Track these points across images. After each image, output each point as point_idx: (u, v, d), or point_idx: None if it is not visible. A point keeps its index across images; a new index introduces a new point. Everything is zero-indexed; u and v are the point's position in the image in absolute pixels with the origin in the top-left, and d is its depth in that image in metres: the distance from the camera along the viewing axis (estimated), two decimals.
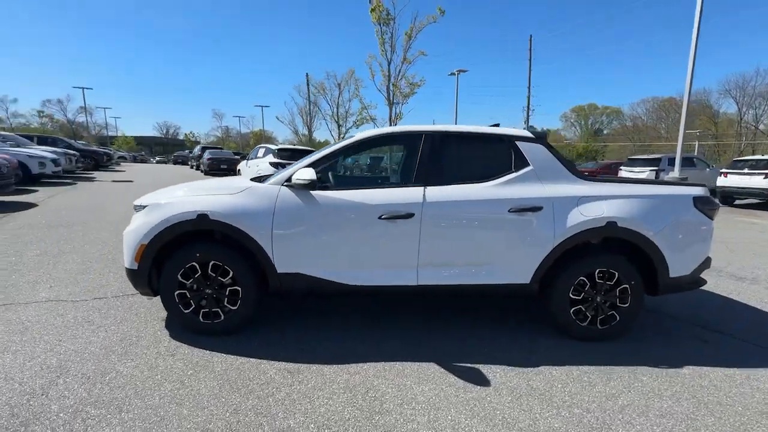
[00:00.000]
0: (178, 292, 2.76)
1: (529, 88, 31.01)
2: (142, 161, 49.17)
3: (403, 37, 10.87)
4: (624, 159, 18.83)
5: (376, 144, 3.17)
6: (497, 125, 3.58)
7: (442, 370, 2.51)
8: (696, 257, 3.01)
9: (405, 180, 3.08)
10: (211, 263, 2.74)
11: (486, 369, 2.54)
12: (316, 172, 2.83)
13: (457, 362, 2.60)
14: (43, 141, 16.93)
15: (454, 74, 23.80)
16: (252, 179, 3.08)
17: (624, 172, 14.99)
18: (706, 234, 3.03)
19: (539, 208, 2.81)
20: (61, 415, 1.94)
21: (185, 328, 2.84)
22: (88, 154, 18.38)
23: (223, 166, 18.88)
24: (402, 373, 2.45)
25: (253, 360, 2.54)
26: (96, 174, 17.61)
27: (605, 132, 72.83)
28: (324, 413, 2.04)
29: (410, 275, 2.84)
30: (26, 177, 11.26)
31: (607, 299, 2.91)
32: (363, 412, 2.07)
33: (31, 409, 1.97)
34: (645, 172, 14.17)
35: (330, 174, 3.03)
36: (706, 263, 3.09)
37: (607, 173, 16.32)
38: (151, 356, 2.52)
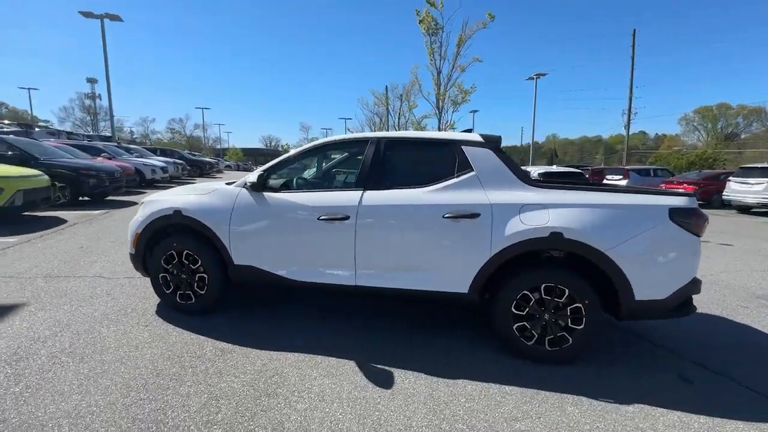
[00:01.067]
0: (161, 274, 3.31)
1: (630, 89, 27.68)
2: (245, 169, 56.14)
3: (454, 45, 10.78)
4: None
5: (327, 150, 3.36)
6: (470, 131, 3.51)
7: (356, 368, 2.58)
8: (674, 279, 2.55)
9: (349, 184, 3.20)
10: (184, 252, 3.23)
11: (400, 373, 2.53)
12: (274, 176, 3.15)
13: (378, 364, 2.64)
14: (163, 153, 20.65)
15: (532, 78, 22.53)
16: (227, 183, 3.53)
17: (734, 184, 12.44)
18: (688, 252, 2.56)
19: (476, 215, 2.69)
20: (43, 357, 2.55)
21: (166, 305, 3.39)
22: (195, 163, 21.87)
23: None
24: (315, 366, 2.59)
25: (202, 338, 2.93)
26: (198, 179, 20.85)
27: (742, 136, 60.98)
28: (222, 388, 2.31)
29: (348, 275, 2.95)
30: (142, 181, 13.90)
31: (557, 318, 2.64)
32: (255, 391, 2.28)
33: (28, 350, 2.62)
34: (763, 184, 11.60)
35: (285, 178, 3.31)
36: (692, 287, 2.59)
37: (711, 185, 13.67)
38: (129, 325, 3.08)
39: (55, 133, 18.16)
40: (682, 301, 2.60)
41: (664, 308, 2.57)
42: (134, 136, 67.49)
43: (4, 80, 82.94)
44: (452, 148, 2.93)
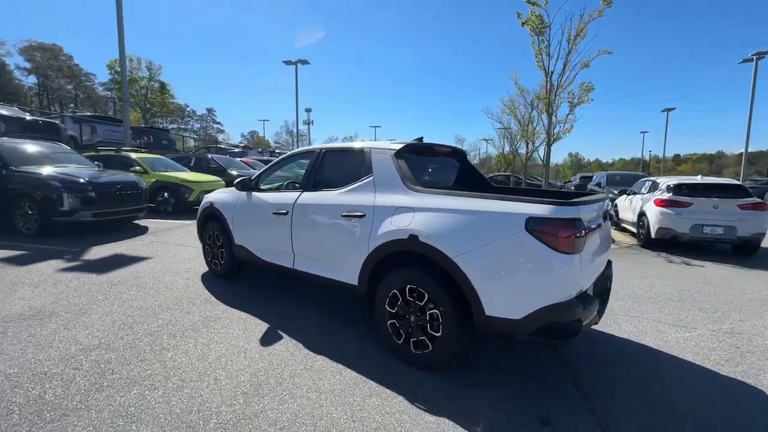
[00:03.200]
0: (205, 247, 4.78)
1: None
2: None
3: (566, 41, 9.52)
4: None
5: (294, 159, 4.06)
6: (420, 139, 3.70)
7: (260, 329, 3.27)
8: (531, 299, 2.21)
9: (299, 187, 3.84)
10: (214, 232, 4.59)
11: (286, 341, 3.09)
12: (261, 179, 4.16)
13: (285, 333, 3.25)
14: None
15: (750, 60, 17.33)
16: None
17: None
18: (548, 270, 2.17)
19: (362, 215, 2.98)
20: (149, 276, 4.25)
21: (208, 268, 4.82)
22: None
23: None
24: (264, 334, 3.25)
25: (205, 290, 4.16)
26: None
27: None
28: (189, 319, 3.41)
29: (290, 260, 3.66)
30: None
31: (420, 321, 2.66)
32: (198, 324, 3.28)
33: (102, 291, 4.39)
34: None
35: (266, 181, 4.21)
36: (561, 312, 2.17)
37: None
38: (180, 292, 4.61)
39: (261, 152, 24.71)
40: (545, 326, 2.21)
41: (521, 330, 2.26)
42: None
43: (252, 115, 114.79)
44: (364, 155, 3.26)
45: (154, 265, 5.09)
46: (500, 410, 2.26)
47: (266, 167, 4.26)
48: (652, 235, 7.36)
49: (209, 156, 13.01)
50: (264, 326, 3.34)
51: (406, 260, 2.77)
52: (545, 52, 9.39)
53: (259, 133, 76.71)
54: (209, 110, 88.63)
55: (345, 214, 3.10)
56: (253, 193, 4.11)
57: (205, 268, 4.92)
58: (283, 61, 24.73)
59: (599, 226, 2.51)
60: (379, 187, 3.02)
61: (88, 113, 16.74)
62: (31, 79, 57.38)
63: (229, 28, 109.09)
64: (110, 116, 16.93)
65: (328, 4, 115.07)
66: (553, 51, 9.38)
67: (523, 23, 9.16)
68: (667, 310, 4.08)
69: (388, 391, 2.43)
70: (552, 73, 9.67)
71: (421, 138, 3.63)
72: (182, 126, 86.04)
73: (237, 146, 25.50)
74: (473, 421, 2.15)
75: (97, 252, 5.69)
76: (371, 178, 3.11)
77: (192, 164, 12.46)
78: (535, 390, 2.49)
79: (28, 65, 55.82)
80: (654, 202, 7.47)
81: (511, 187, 4.26)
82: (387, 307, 2.82)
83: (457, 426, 2.11)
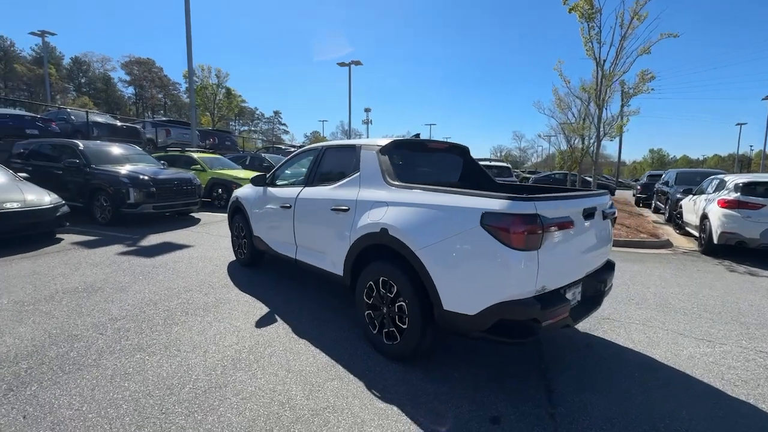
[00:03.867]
0: (233, 237, 5.26)
1: None
2: None
3: (618, 27, 8.62)
4: None
5: (303, 156, 4.27)
6: (418, 135, 3.75)
7: (257, 311, 3.56)
8: (484, 295, 2.17)
9: (303, 182, 4.05)
10: (240, 224, 5.03)
11: (279, 324, 3.34)
12: (275, 176, 4.48)
13: (279, 315, 3.52)
14: None
15: None
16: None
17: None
18: (501, 266, 2.12)
19: (347, 209, 3.12)
20: (189, 261, 4.86)
21: (235, 262, 5.29)
22: None
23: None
24: (261, 317, 3.61)
25: (225, 274, 4.60)
26: None
27: None
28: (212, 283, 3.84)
29: (292, 250, 3.92)
30: None
31: (390, 313, 2.73)
32: (215, 315, 3.68)
33: (144, 272, 5.01)
34: None
35: (281, 176, 4.49)
36: (515, 310, 2.12)
37: None
38: (205, 276, 5.13)
39: None
40: (499, 324, 2.16)
41: (475, 326, 2.23)
42: None
43: (315, 115, 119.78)
44: (355, 152, 3.38)
45: (193, 252, 5.71)
46: (453, 405, 2.26)
47: (280, 164, 4.58)
48: (714, 241, 6.50)
49: (263, 155, 14.00)
50: (265, 310, 3.63)
51: (380, 253, 2.85)
52: (596, 39, 8.69)
53: (320, 134, 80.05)
54: (276, 112, 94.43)
55: (333, 208, 3.26)
56: (267, 188, 4.44)
57: (233, 257, 5.41)
58: (338, 63, 25.67)
59: (571, 223, 2.36)
60: (363, 183, 3.13)
61: (164, 118, 19.05)
62: (130, 90, 65.74)
63: (293, 33, 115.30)
64: (182, 120, 18.94)
65: (387, 3, 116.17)
66: (604, 38, 8.66)
67: (570, 9, 8.58)
68: (698, 322, 3.65)
69: (351, 376, 2.55)
70: (604, 61, 8.93)
71: (419, 135, 3.67)
72: (252, 128, 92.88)
73: (294, 146, 26.99)
74: (422, 412, 2.19)
75: (151, 239, 6.51)
76: (358, 173, 3.23)
77: (247, 163, 13.52)
78: (500, 390, 2.43)
79: (128, 78, 64.10)
80: (718, 203, 6.59)
81: (520, 184, 4.06)
82: (365, 297, 2.93)
83: (403, 414, 2.16)
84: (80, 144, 8.08)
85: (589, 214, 2.56)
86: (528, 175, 31.51)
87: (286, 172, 4.55)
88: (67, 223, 6.45)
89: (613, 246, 3.21)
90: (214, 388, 2.37)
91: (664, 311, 3.91)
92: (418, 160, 3.70)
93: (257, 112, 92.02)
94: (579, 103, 14.13)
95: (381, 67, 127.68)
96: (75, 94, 55.27)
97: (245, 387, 2.39)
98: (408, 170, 3.45)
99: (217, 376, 2.49)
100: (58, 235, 6.45)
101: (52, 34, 23.69)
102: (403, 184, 2.87)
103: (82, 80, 60.26)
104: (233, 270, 4.89)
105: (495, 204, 2.18)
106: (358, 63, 25.32)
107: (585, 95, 9.79)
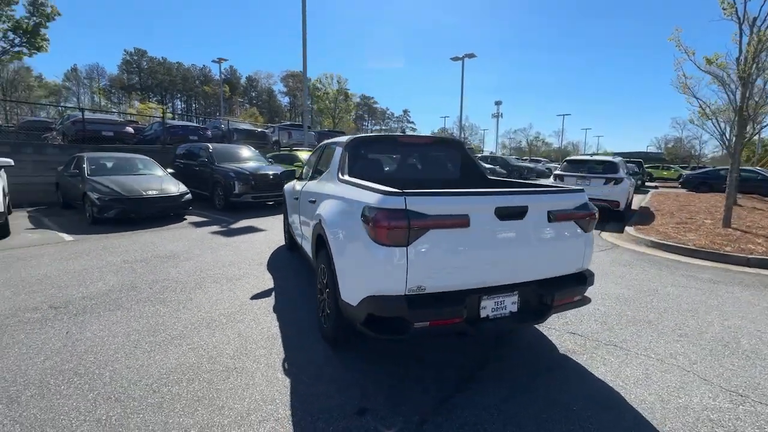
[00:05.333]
0: (284, 224, 6.11)
1: None
2: None
3: None
4: None
5: (316, 154, 4.61)
6: (403, 131, 3.80)
7: (271, 296, 4.16)
8: (359, 287, 2.20)
9: (309, 177, 4.40)
10: (284, 213, 5.82)
11: (266, 303, 3.88)
12: (305, 171, 5.07)
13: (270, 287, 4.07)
14: (492, 160, 24.36)
15: None
16: None
17: None
18: (369, 259, 2.12)
19: (314, 201, 3.43)
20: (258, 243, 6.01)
21: (284, 246, 6.13)
22: (514, 169, 24.03)
23: None
24: (261, 292, 4.37)
25: (265, 272, 5.42)
26: None
27: None
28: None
29: (299, 238, 4.43)
30: None
31: (326, 298, 2.94)
32: (231, 285, 4.52)
33: (216, 247, 6.19)
34: None
35: (305, 172, 4.96)
36: (381, 306, 2.11)
37: None
38: (253, 255, 6.08)
39: None
40: (369, 318, 2.16)
41: (356, 318, 2.28)
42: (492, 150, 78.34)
43: (441, 111, 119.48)
44: (335, 148, 3.64)
45: (261, 236, 6.83)
46: (339, 391, 2.38)
47: (307, 160, 5.13)
48: None
49: None
50: (269, 286, 4.24)
51: (323, 242, 3.08)
52: None
53: (445, 129, 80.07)
54: (405, 111, 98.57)
55: (310, 200, 3.61)
56: (294, 182, 5.05)
57: None
58: (451, 58, 25.38)
59: (465, 221, 2.15)
60: (328, 177, 3.39)
61: (288, 122, 22.42)
62: (286, 100, 77.69)
63: (420, 32, 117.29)
64: (299, 123, 21.77)
65: None
66: None
67: None
68: (722, 362, 2.71)
69: (281, 349, 2.88)
70: (754, 19, 6.80)
71: (403, 130, 3.70)
72: (383, 127, 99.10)
73: None
74: (302, 390, 2.38)
75: (241, 223, 7.98)
76: (328, 169, 3.49)
77: None
78: (396, 389, 2.42)
79: (285, 89, 75.96)
80: None
81: (516, 181, 3.58)
82: (317, 283, 3.21)
83: (287, 387, 2.40)
84: (210, 146, 10.34)
85: (508, 213, 2.27)
86: (689, 171, 25.51)
87: (305, 167, 5.08)
88: (191, 207, 8.44)
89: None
90: (179, 336, 3.03)
91: (699, 345, 3.01)
92: (392, 156, 3.72)
93: (388, 111, 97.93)
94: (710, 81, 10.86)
95: (516, 57, 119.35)
96: (247, 106, 68.61)
97: (198, 340, 2.98)
98: (375, 166, 3.55)
99: (188, 330, 3.16)
100: (185, 217, 8.51)
101: (225, 60, 30.28)
102: (346, 178, 3.02)
103: (253, 94, 74.31)
104: (278, 252, 5.70)
105: (372, 198, 2.19)
106: (471, 56, 24.56)
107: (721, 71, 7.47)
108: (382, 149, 3.67)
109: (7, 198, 7.17)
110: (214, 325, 3.25)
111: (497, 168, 22.44)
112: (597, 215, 2.63)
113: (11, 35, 12.89)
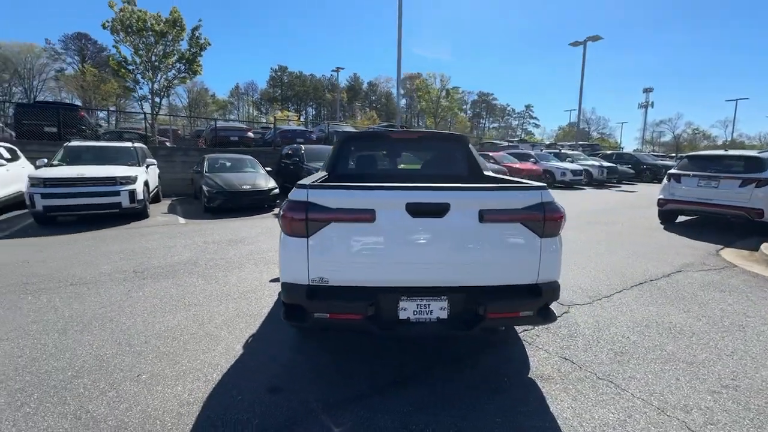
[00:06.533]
0: None
1: None
2: None
3: None
4: None
5: None
6: (393, 126, 3.80)
7: None
8: (280, 272, 2.31)
9: None
10: None
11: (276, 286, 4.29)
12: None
13: None
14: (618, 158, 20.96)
15: None
16: None
17: None
18: (281, 248, 2.23)
19: None
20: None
21: None
22: (651, 168, 19.98)
23: None
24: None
25: None
26: (627, 186, 18.92)
27: None
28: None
29: None
30: (554, 182, 16.21)
31: None
32: (257, 268, 5.12)
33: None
34: None
35: None
36: (285, 293, 2.20)
37: None
38: None
39: (533, 146, 24.02)
40: (283, 303, 2.28)
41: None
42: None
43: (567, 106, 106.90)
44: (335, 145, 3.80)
45: None
46: (260, 369, 2.57)
47: None
48: None
49: None
50: None
51: None
52: None
53: (571, 125, 71.51)
54: (527, 107, 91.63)
55: None
56: None
57: None
58: (570, 44, 22.52)
59: (369, 216, 2.05)
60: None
61: (385, 123, 23.23)
62: (403, 102, 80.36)
63: (536, 26, 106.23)
64: (392, 123, 22.28)
65: None
66: None
67: None
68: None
69: (258, 325, 3.21)
70: None
71: (393, 125, 3.64)
72: (502, 124, 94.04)
73: (510, 141, 26.02)
74: (246, 365, 2.64)
75: None
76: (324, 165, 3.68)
77: None
78: (334, 373, 2.48)
79: (402, 91, 78.62)
80: None
81: (507, 177, 3.09)
82: None
83: (231, 361, 2.69)
84: (303, 148, 11.59)
85: (422, 210, 2.09)
86: None
87: None
88: (278, 201, 9.67)
89: None
90: (194, 304, 3.63)
91: (740, 403, 2.19)
92: (386, 150, 3.67)
93: (508, 108, 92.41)
94: None
95: (663, 38, 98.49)
96: (367, 109, 73.48)
97: (205, 309, 3.52)
98: (364, 157, 3.58)
99: (205, 300, 3.75)
100: (275, 209, 9.78)
101: (342, 69, 33.19)
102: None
103: (372, 98, 79.18)
104: None
105: (293, 191, 2.30)
106: (596, 38, 21.39)
107: None
108: (376, 145, 3.67)
109: (153, 189, 9.42)
110: (227, 299, 3.78)
111: (625, 168, 19.12)
112: (559, 218, 2.19)
113: (178, 65, 16.84)
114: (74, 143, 8.91)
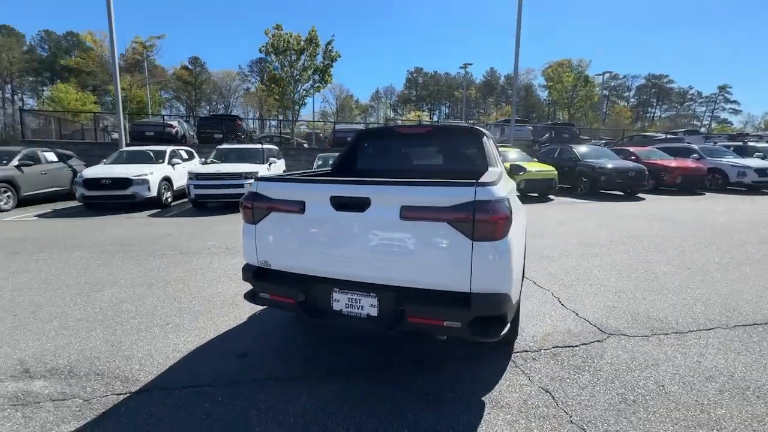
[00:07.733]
0: None
1: None
2: None
3: None
4: None
5: None
6: (391, 121, 3.75)
7: None
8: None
9: None
10: None
11: None
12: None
13: None
14: None
15: None
16: None
17: None
18: (242, 233, 2.50)
19: None
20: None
21: None
22: None
23: None
24: None
25: None
26: None
27: None
28: None
29: None
30: (726, 183, 12.56)
31: None
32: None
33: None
34: None
35: None
36: (242, 270, 2.48)
37: None
38: None
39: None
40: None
41: None
42: None
43: None
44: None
45: None
46: (236, 337, 2.94)
47: None
48: None
49: (571, 147, 12.99)
50: None
51: None
52: None
53: None
54: (721, 88, 71.89)
55: None
56: None
57: None
58: None
59: (298, 207, 2.13)
60: None
61: (503, 119, 21.20)
62: (544, 93, 73.15)
63: None
64: (518, 119, 20.21)
65: None
66: None
67: None
68: None
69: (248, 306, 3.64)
70: None
71: (392, 120, 3.56)
72: (680, 112, 76.15)
73: (674, 133, 20.64)
74: (226, 336, 3.08)
75: None
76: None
77: (555, 156, 13.17)
78: (277, 345, 2.72)
79: (545, 82, 71.78)
80: None
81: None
82: None
83: (213, 332, 3.16)
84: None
85: (344, 204, 2.08)
86: None
87: None
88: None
89: None
90: (201, 279, 4.31)
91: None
92: (399, 146, 3.59)
93: (690, 91, 74.13)
94: None
95: None
96: (503, 104, 69.59)
97: (206, 286, 4.11)
98: (379, 155, 3.59)
99: (215, 277, 4.36)
100: None
101: (471, 64, 32.18)
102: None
103: (510, 92, 74.48)
104: None
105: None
106: None
107: None
108: (381, 140, 3.63)
109: None
110: (230, 280, 4.31)
111: None
112: (497, 220, 1.85)
113: (314, 76, 19.46)
114: (224, 146, 11.34)
